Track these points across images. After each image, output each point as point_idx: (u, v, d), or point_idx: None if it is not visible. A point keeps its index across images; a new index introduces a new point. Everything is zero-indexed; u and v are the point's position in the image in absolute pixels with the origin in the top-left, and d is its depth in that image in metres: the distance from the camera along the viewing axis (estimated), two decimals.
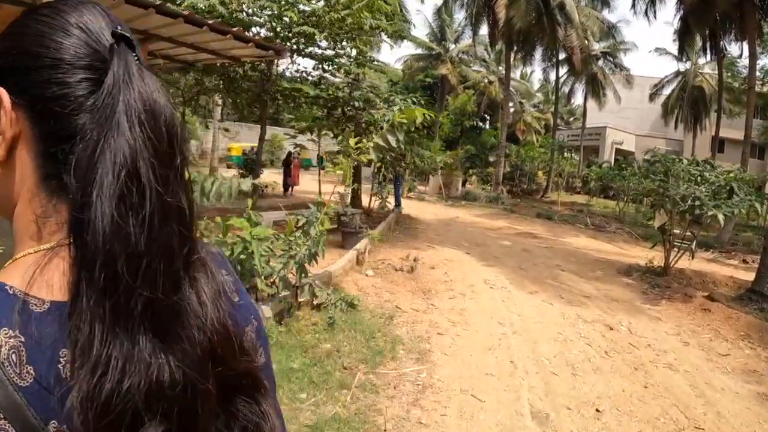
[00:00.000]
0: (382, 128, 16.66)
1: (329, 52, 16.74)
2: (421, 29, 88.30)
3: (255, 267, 7.13)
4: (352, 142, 8.13)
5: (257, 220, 7.97)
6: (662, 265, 13.06)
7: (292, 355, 6.55)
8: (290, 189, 27.03)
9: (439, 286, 10.66)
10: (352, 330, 7.54)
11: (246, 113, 22.26)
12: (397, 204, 21.45)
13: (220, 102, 26.71)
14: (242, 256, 7.18)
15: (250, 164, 25.94)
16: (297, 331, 7.19)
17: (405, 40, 44.23)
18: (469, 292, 10.46)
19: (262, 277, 7.39)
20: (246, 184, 6.68)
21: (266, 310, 7.27)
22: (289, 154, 27.34)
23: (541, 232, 21.19)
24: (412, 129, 17.03)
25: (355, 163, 20.56)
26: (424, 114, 8.49)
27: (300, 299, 7.93)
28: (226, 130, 31.90)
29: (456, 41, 47.79)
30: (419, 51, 48.82)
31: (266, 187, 26.01)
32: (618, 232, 23.21)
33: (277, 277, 7.50)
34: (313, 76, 18.47)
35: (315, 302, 8.03)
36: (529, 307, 9.83)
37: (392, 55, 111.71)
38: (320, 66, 17.19)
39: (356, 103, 16.83)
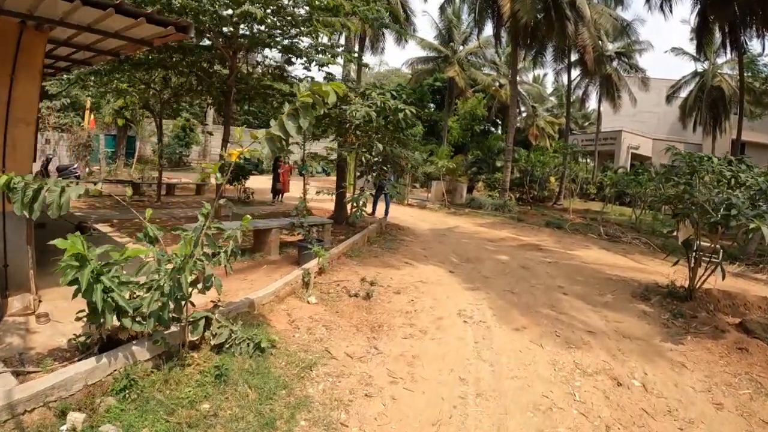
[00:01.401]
0: (350, 125, 14.51)
1: (304, 43, 14.18)
2: (428, 31, 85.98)
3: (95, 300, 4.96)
4: (237, 132, 5.90)
5: (155, 235, 5.76)
6: (686, 286, 10.52)
7: (149, 418, 4.52)
8: (279, 196, 24.82)
9: (397, 319, 8.24)
10: (247, 384, 5.33)
11: (222, 113, 19.91)
12: (381, 211, 18.92)
13: (204, 105, 24.46)
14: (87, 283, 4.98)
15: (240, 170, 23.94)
16: (176, 382, 5.13)
17: (411, 42, 42.12)
18: (433, 328, 8.00)
19: (127, 312, 5.33)
20: (77, 191, 4.46)
21: (139, 353, 5.37)
22: (278, 158, 25.06)
23: (548, 243, 18.62)
24: (403, 128, 14.69)
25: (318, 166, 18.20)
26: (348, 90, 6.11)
27: (192, 338, 5.92)
28: (210, 133, 29.91)
29: (464, 43, 45.29)
30: (426, 53, 46.32)
31: (253, 193, 24.00)
32: (634, 242, 20.66)
33: (147, 310, 5.25)
34: (285, 71, 16.09)
35: (213, 342, 5.99)
36: (510, 351, 7.30)
37: (399, 58, 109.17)
38: (288, 58, 14.72)
39: None
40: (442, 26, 44.41)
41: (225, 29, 12.57)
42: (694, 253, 10.24)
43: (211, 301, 6.70)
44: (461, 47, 45.13)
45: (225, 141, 15.13)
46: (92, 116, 32.21)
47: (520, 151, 36.64)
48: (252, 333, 6.29)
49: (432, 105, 53.77)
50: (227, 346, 5.99)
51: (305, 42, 13.68)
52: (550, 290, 10.96)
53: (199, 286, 5.77)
